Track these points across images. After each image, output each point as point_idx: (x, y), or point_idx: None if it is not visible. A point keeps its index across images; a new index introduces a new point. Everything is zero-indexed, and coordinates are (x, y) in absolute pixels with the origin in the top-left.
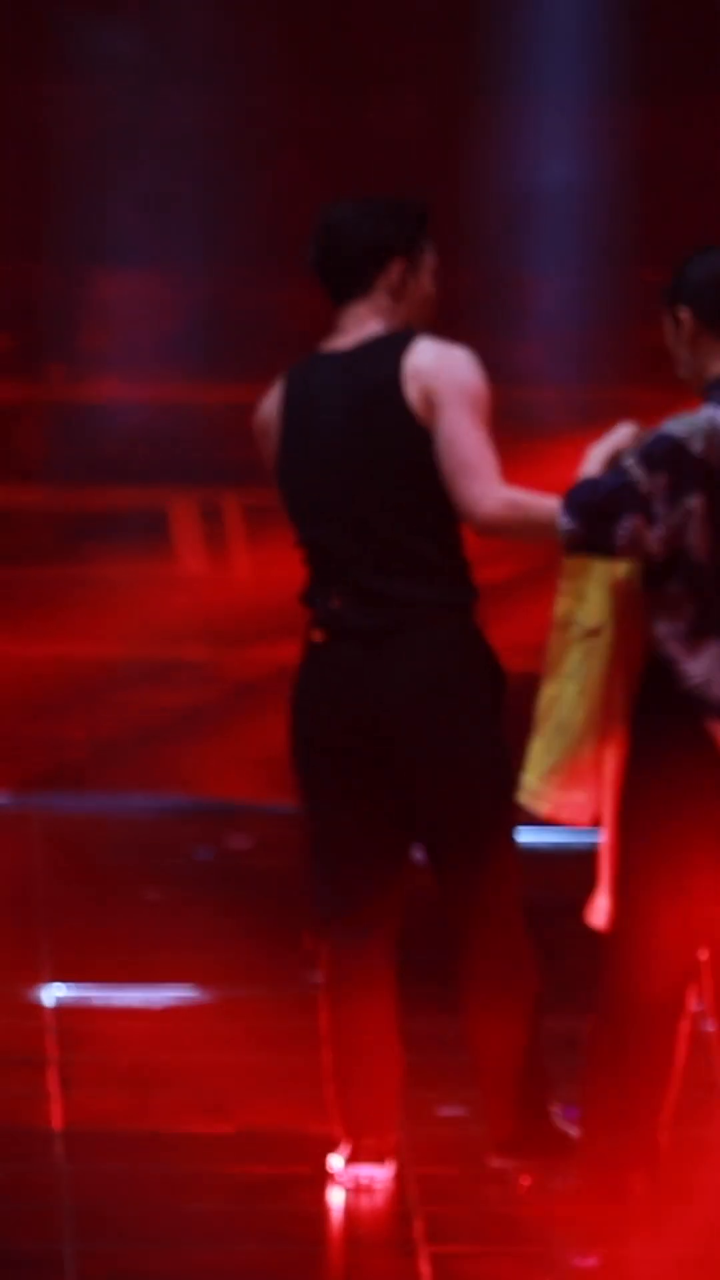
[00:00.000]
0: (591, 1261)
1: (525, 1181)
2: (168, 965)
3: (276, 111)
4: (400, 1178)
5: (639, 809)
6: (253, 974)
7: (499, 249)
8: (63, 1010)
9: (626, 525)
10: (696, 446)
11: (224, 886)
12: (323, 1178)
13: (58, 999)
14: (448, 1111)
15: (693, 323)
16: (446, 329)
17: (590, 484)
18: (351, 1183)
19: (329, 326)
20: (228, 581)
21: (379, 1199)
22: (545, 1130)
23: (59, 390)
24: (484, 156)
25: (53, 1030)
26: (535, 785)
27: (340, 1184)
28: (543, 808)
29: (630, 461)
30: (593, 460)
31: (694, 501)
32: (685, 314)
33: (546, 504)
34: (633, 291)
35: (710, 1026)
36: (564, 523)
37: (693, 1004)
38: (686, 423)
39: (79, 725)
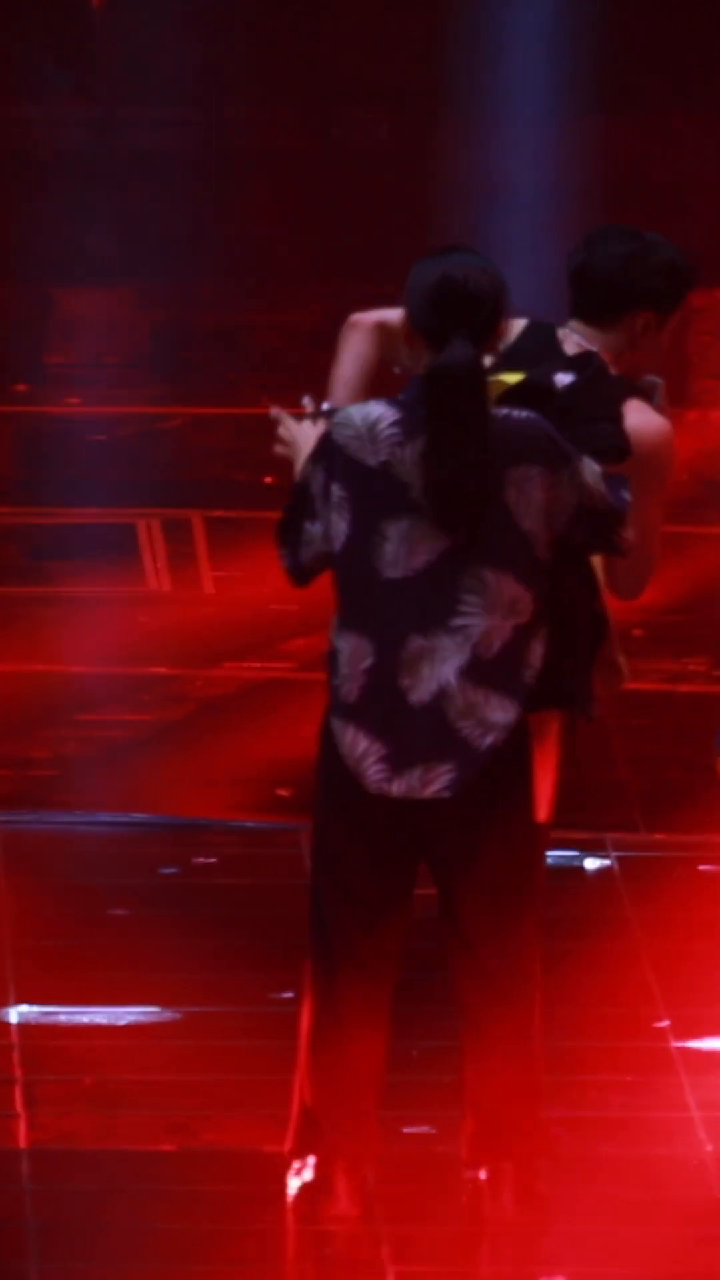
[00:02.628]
0: None
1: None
2: (133, 984)
3: (243, 129)
4: (367, 1196)
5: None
6: (218, 993)
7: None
8: (27, 1029)
9: (297, 527)
10: (341, 435)
11: (190, 905)
12: (286, 1196)
13: (22, 1017)
14: (413, 1129)
15: (407, 324)
16: None
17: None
18: (315, 1203)
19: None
20: (193, 600)
21: (346, 1218)
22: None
23: (23, 408)
24: (451, 175)
25: (17, 1049)
26: None
27: (304, 1203)
28: None
29: (302, 472)
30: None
31: (338, 492)
32: (404, 317)
33: None
34: None
35: (674, 1043)
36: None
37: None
38: (347, 413)
39: (43, 743)
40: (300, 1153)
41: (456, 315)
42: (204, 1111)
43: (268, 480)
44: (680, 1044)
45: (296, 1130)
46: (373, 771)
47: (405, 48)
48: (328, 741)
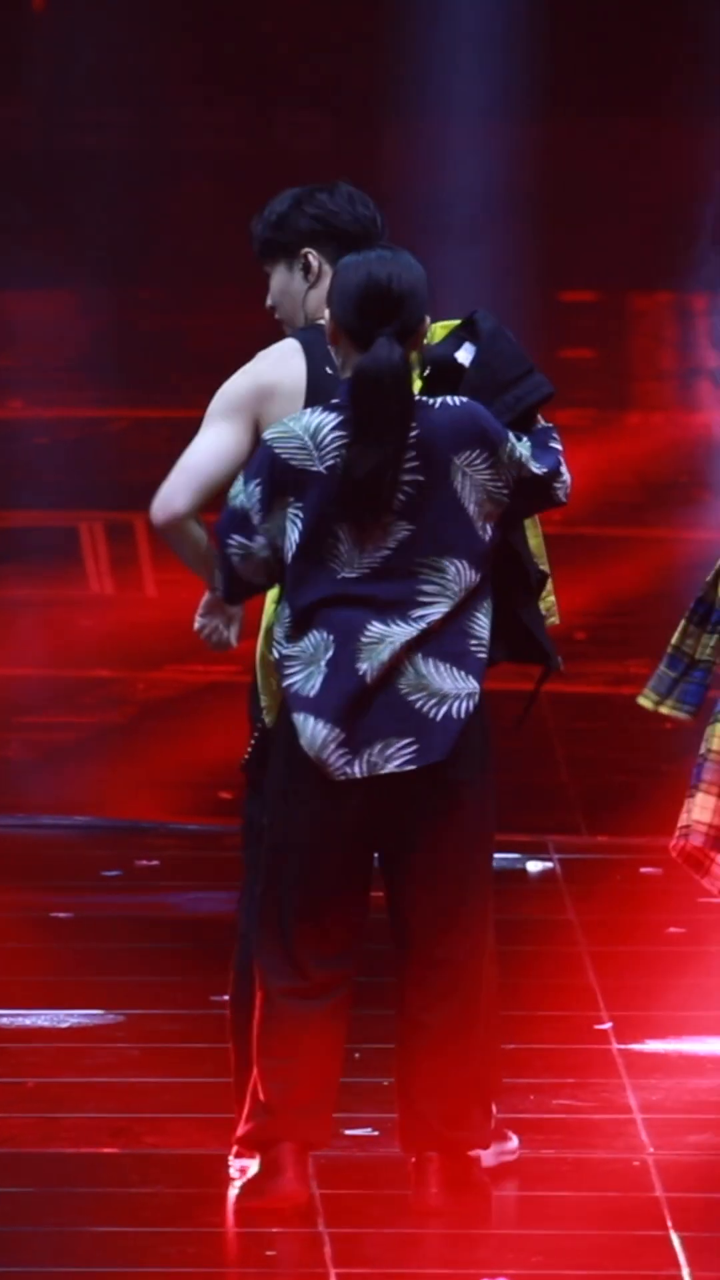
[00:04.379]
0: None
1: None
2: (75, 987)
3: (185, 132)
4: (309, 1198)
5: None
6: (161, 996)
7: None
8: None
9: (232, 544)
10: (284, 450)
11: (133, 908)
12: (228, 1199)
13: None
14: (356, 1132)
15: (333, 325)
16: None
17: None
18: (260, 1185)
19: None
20: (136, 603)
21: (288, 1220)
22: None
23: None
24: (393, 176)
25: None
26: None
27: (250, 1184)
28: None
29: (236, 482)
30: None
31: (288, 503)
32: (329, 318)
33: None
34: (542, 309)
35: (616, 1045)
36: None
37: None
38: (283, 425)
39: None
40: (250, 1142)
41: (381, 314)
42: (146, 1114)
43: None
44: (622, 1046)
45: (249, 1120)
46: (335, 759)
47: (347, 50)
48: (287, 734)
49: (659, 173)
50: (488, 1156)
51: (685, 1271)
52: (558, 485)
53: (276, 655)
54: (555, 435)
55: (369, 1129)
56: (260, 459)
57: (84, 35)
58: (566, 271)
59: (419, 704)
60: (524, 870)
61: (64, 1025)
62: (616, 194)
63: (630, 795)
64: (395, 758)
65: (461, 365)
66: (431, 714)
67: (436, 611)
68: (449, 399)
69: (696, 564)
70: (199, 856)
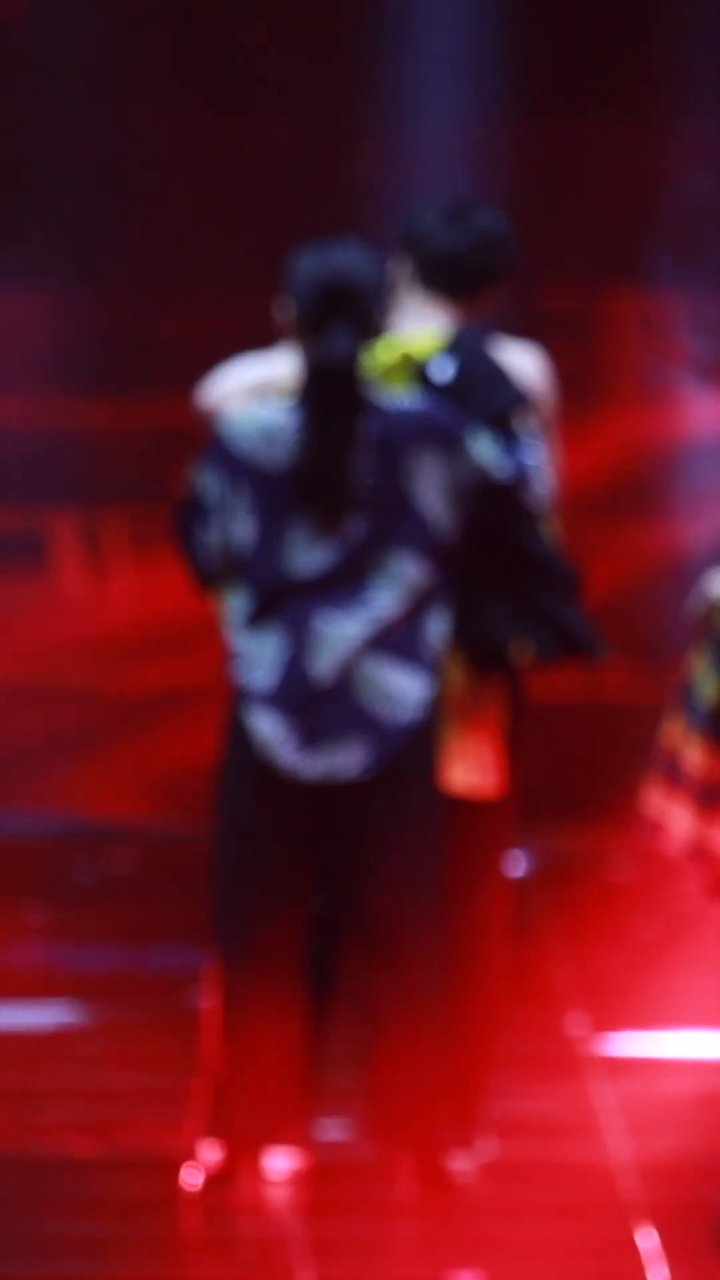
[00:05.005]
0: None
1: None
2: (48, 986)
3: (159, 134)
4: (279, 1198)
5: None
6: (132, 996)
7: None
8: None
9: (191, 538)
10: (240, 445)
11: (105, 909)
12: (203, 1199)
13: None
14: (325, 1131)
15: (289, 319)
16: None
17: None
18: (221, 1191)
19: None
20: (109, 603)
21: (252, 1208)
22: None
23: None
24: (369, 178)
25: None
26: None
27: (209, 1191)
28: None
29: (197, 473)
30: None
31: (243, 498)
32: (289, 310)
33: None
34: (514, 310)
35: (587, 1046)
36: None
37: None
38: (242, 417)
39: None
40: (202, 1134)
41: (336, 308)
42: (118, 1115)
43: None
44: (592, 1047)
45: (200, 1113)
46: (286, 753)
47: (321, 54)
48: (237, 732)
49: (631, 174)
50: (466, 1159)
51: (653, 1271)
52: (526, 488)
53: (231, 648)
54: (535, 445)
55: (339, 1128)
56: (217, 450)
57: (60, 38)
58: (538, 273)
59: (376, 709)
60: None
61: (35, 1025)
62: (588, 196)
63: (603, 797)
64: (347, 761)
65: (438, 384)
66: (384, 719)
67: (385, 611)
68: (410, 399)
69: (668, 566)
70: (173, 858)
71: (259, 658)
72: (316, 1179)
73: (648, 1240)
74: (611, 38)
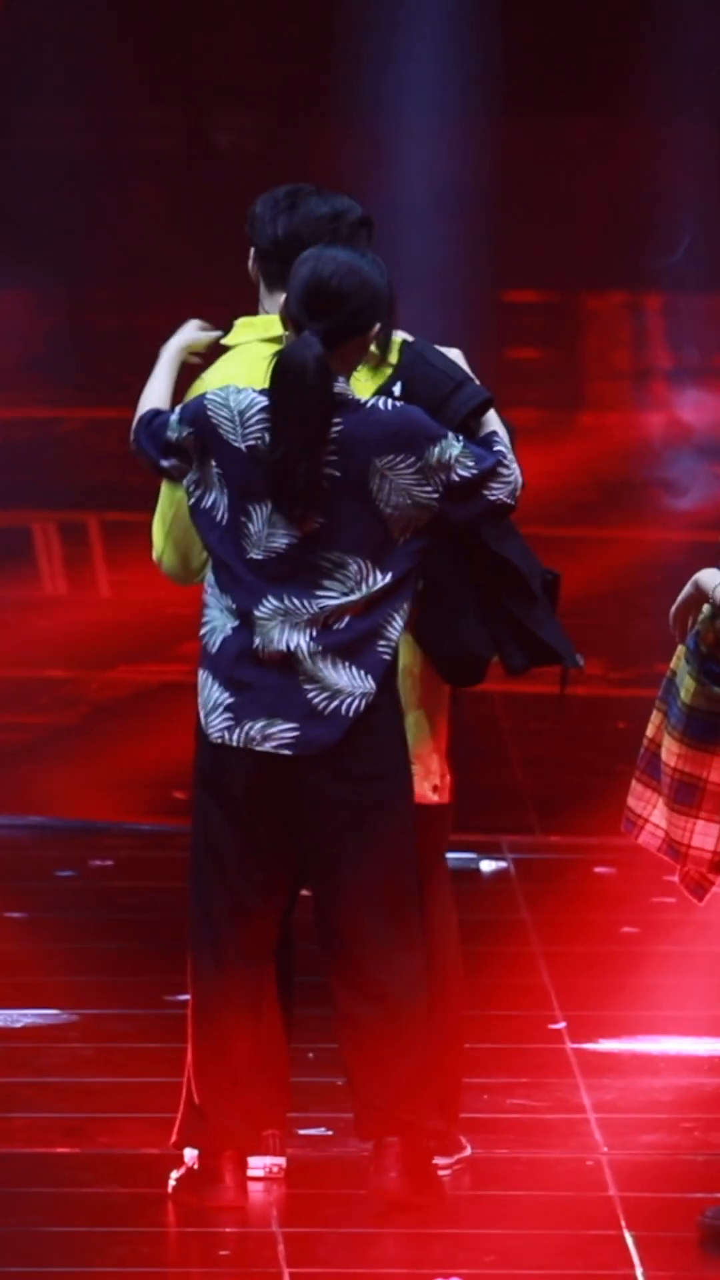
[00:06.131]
0: None
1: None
2: (29, 987)
3: (131, 133)
4: (261, 1199)
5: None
6: (115, 996)
7: None
8: None
9: (171, 462)
10: (215, 414)
11: (86, 908)
12: (184, 1199)
13: None
14: (309, 1131)
15: (283, 309)
16: None
17: (156, 413)
18: (201, 1193)
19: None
20: (89, 603)
21: (232, 1209)
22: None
23: None
24: (340, 178)
25: None
26: None
27: (188, 1193)
28: None
29: (173, 414)
30: (163, 359)
31: (213, 466)
32: (282, 304)
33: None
34: (494, 309)
35: (570, 1045)
36: (131, 440)
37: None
38: (222, 392)
39: None
40: (184, 1143)
41: (315, 310)
42: (99, 1114)
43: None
44: (576, 1046)
45: (182, 1121)
46: (217, 721)
47: (296, 51)
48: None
49: (611, 173)
50: (443, 1164)
51: (638, 1271)
52: (494, 486)
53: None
54: (501, 439)
55: (322, 1129)
56: (196, 410)
57: (30, 36)
58: (518, 272)
59: (311, 695)
60: (478, 870)
61: (18, 1025)
62: (569, 194)
63: (584, 795)
64: (274, 739)
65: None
66: (321, 707)
67: (331, 603)
68: (384, 401)
69: (650, 564)
70: (152, 856)
71: (216, 624)
72: (301, 1179)
73: (631, 1239)
74: (592, 36)
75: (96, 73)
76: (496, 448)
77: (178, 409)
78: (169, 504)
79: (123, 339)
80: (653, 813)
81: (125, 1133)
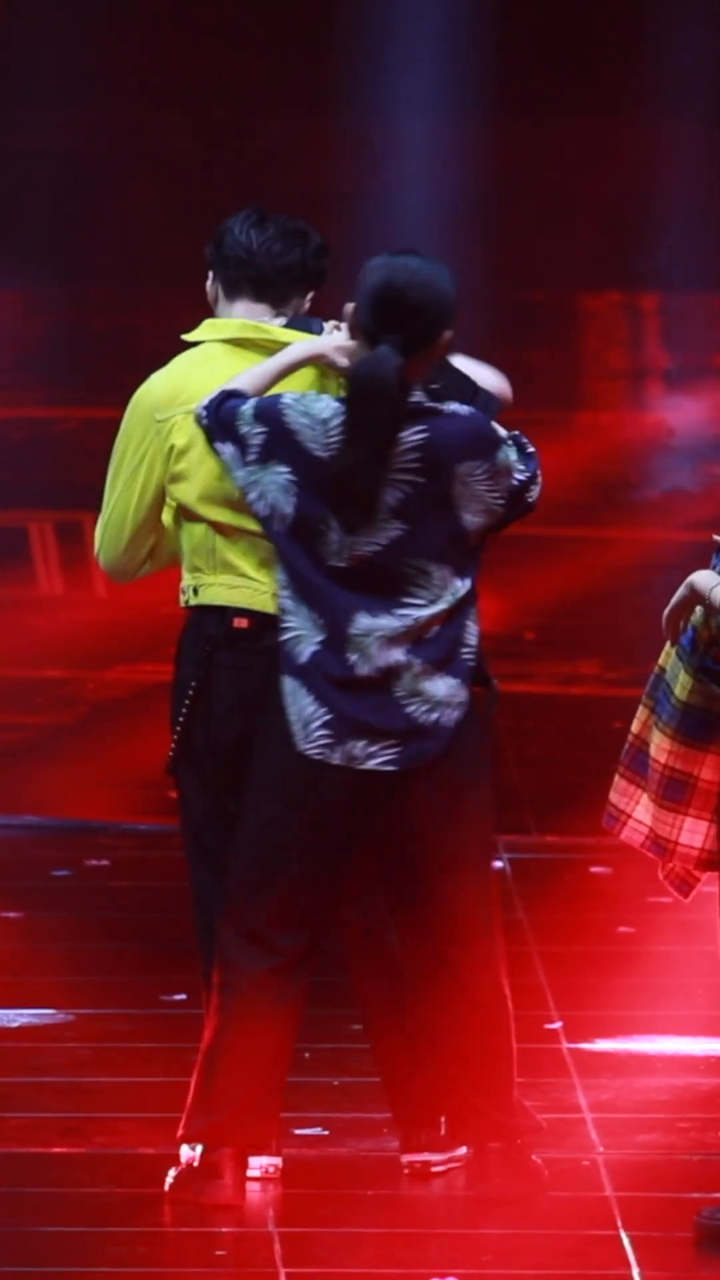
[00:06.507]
0: None
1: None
2: (26, 986)
3: (131, 133)
4: (259, 1199)
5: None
6: (111, 995)
7: (358, 270)
8: None
9: (226, 450)
10: (294, 420)
11: (82, 908)
12: (180, 1199)
13: None
14: (306, 1132)
15: (353, 318)
16: None
17: (233, 394)
18: (199, 1189)
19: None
20: (86, 603)
21: (229, 1207)
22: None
23: None
24: (339, 178)
25: None
26: None
27: (187, 1188)
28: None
29: (246, 405)
30: (287, 356)
31: (284, 473)
32: (350, 310)
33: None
34: (492, 309)
35: (566, 1044)
36: (200, 407)
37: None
38: (303, 399)
39: None
40: (188, 1138)
41: (390, 321)
42: (96, 1114)
43: None
44: (572, 1045)
45: (188, 1116)
46: (317, 736)
47: (295, 51)
48: (275, 702)
49: (609, 172)
50: (440, 1160)
51: (635, 1271)
52: (533, 489)
53: (279, 604)
54: (525, 440)
55: (319, 1128)
56: (271, 411)
57: (31, 36)
58: (516, 272)
59: (410, 709)
60: None
61: (14, 1025)
62: (566, 194)
63: (579, 795)
64: (377, 757)
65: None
66: (421, 720)
67: (422, 613)
68: (459, 407)
69: (646, 564)
70: (148, 856)
71: (302, 633)
72: (297, 1179)
73: (627, 1239)
74: (591, 37)
75: (96, 73)
76: (529, 450)
77: (251, 403)
78: (125, 502)
79: (120, 339)
80: (635, 809)
81: (122, 1132)
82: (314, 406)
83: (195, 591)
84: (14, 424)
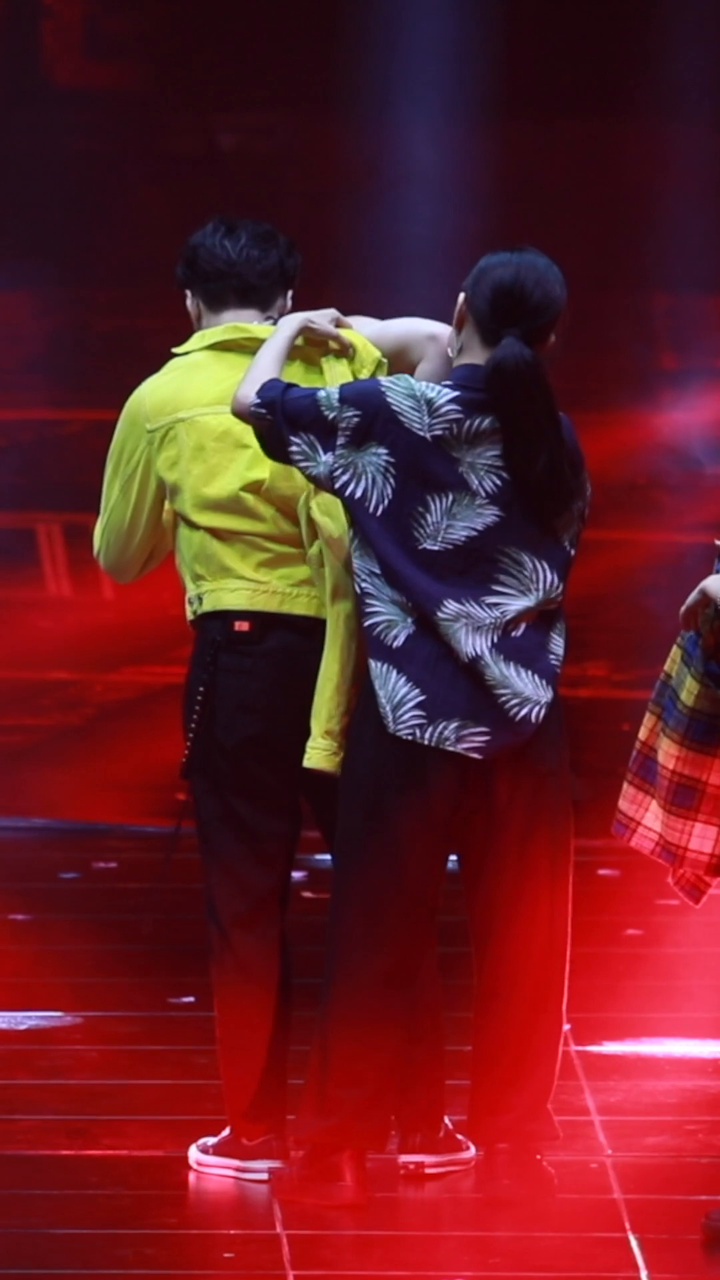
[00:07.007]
0: None
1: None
2: (34, 988)
3: (135, 133)
4: (266, 1201)
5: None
6: (118, 997)
7: (365, 266)
8: None
9: (301, 440)
10: (396, 402)
11: (90, 909)
12: (187, 1201)
13: None
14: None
15: (464, 308)
16: None
17: (285, 386)
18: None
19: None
20: (93, 605)
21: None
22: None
23: None
24: (341, 178)
25: None
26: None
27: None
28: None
29: (325, 392)
30: (283, 330)
31: (383, 455)
32: (462, 301)
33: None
34: None
35: (574, 1047)
36: (254, 404)
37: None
38: (402, 382)
39: None
40: (303, 1144)
41: (511, 317)
42: (103, 1116)
43: None
44: (580, 1048)
45: (300, 1124)
46: (408, 717)
47: (303, 52)
48: (368, 688)
49: (615, 173)
50: (434, 1162)
51: (643, 1273)
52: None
53: (359, 589)
54: None
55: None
56: (368, 393)
57: (30, 35)
58: None
59: (503, 699)
60: None
61: (22, 1027)
62: (573, 195)
63: (587, 797)
64: (466, 740)
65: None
66: (512, 712)
67: (511, 605)
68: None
69: (653, 566)
70: (156, 858)
71: (392, 618)
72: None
73: (635, 1242)
74: (595, 37)
75: (98, 74)
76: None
77: (335, 389)
78: (122, 512)
79: (127, 341)
80: (645, 815)
81: (130, 1135)
82: (417, 388)
83: (200, 600)
84: (21, 426)
